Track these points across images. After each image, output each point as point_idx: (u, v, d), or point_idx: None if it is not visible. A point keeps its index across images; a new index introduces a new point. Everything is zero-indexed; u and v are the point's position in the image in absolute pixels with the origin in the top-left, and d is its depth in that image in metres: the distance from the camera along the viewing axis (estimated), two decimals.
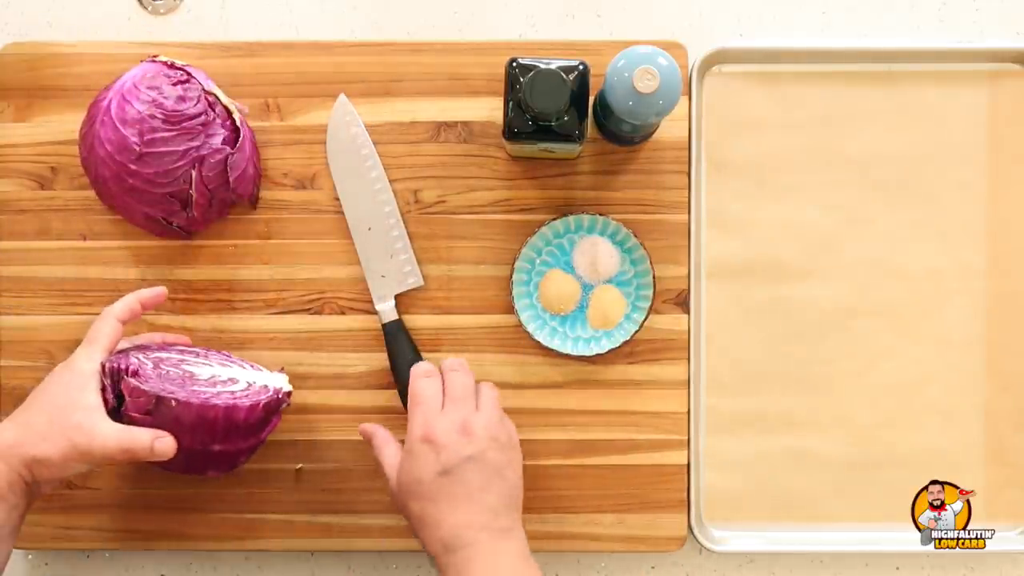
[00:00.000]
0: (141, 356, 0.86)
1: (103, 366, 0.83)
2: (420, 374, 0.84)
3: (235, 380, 0.88)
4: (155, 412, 0.82)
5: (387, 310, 0.92)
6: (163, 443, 0.81)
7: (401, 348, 0.91)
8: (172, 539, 0.95)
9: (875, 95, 0.96)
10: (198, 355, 0.90)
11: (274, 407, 0.88)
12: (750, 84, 0.96)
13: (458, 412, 0.81)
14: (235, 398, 0.86)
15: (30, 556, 0.98)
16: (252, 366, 0.92)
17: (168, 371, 0.86)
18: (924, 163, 0.96)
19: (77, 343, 0.92)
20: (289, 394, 0.91)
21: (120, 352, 0.86)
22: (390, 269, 0.92)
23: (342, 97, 0.93)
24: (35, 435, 0.78)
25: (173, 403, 0.82)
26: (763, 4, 0.98)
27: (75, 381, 0.81)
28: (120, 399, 0.83)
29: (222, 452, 0.86)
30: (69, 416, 0.79)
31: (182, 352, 0.90)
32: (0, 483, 0.77)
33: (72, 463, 0.79)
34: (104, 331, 0.84)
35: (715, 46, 0.94)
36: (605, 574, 0.98)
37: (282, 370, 0.93)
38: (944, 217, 0.96)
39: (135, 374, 0.83)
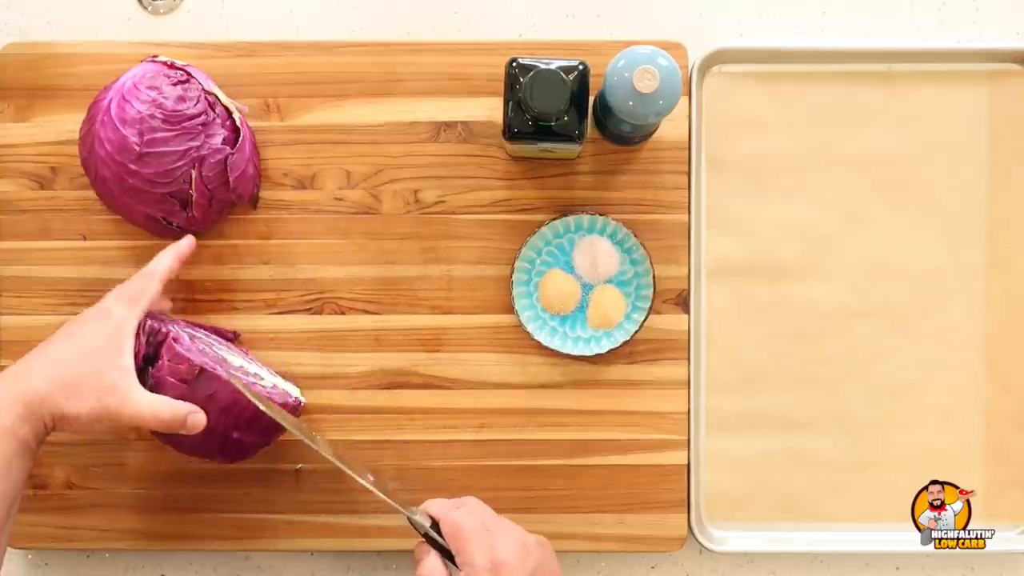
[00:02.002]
0: (178, 327, 0.87)
1: (140, 324, 0.82)
2: (450, 507, 0.79)
3: (260, 377, 0.89)
4: (194, 383, 0.82)
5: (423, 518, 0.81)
6: (196, 418, 0.80)
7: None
8: (172, 539, 0.95)
9: (875, 95, 0.96)
10: (221, 343, 0.91)
11: (290, 412, 0.90)
12: (750, 84, 0.96)
13: (504, 531, 0.78)
14: (267, 393, 0.87)
15: (30, 556, 0.98)
16: (269, 370, 0.93)
17: (204, 348, 0.86)
18: (924, 163, 0.96)
19: None
20: (301, 404, 0.93)
21: (153, 315, 0.86)
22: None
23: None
24: (66, 389, 0.76)
25: (216, 379, 0.83)
26: (763, 4, 0.98)
27: (114, 338, 0.79)
28: (150, 360, 0.83)
29: (238, 441, 0.86)
30: (103, 376, 0.77)
31: (210, 335, 0.91)
32: (29, 439, 0.76)
33: (99, 424, 0.78)
34: (148, 290, 0.82)
35: (715, 46, 0.94)
36: (605, 574, 0.98)
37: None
38: (944, 217, 0.96)
39: (176, 340, 0.83)
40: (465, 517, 0.78)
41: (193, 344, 0.85)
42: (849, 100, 0.96)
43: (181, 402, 0.80)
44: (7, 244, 0.95)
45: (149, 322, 0.83)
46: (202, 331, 0.91)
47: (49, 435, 0.78)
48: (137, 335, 0.81)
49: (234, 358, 0.89)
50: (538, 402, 0.95)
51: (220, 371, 0.84)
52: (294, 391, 0.92)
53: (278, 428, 0.87)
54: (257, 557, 0.98)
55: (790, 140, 0.96)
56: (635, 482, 0.95)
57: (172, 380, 0.82)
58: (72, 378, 0.77)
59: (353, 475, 0.82)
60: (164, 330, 0.84)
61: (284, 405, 0.89)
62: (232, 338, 0.94)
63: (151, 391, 0.81)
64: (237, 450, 0.88)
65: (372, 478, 0.83)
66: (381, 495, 0.82)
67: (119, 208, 0.91)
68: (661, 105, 0.81)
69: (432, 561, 0.78)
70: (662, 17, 0.98)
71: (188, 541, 0.95)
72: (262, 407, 0.82)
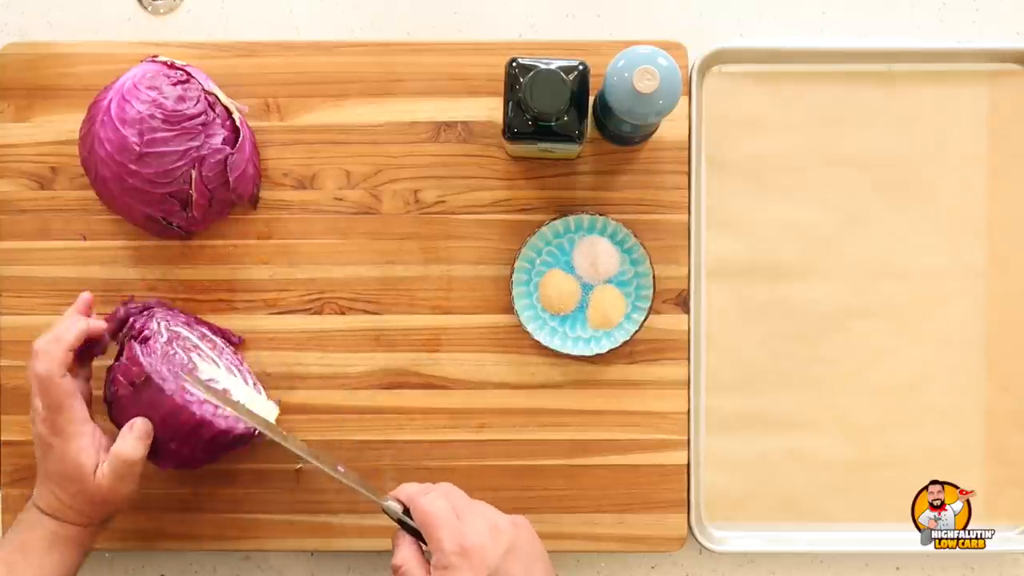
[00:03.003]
0: (163, 323, 0.88)
1: (119, 311, 0.88)
2: (420, 494, 0.79)
3: (228, 391, 0.89)
4: (138, 388, 0.83)
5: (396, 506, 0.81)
6: (138, 427, 0.83)
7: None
8: (172, 539, 0.95)
9: (875, 95, 0.96)
10: (214, 347, 0.91)
11: (245, 439, 0.89)
12: (750, 84, 0.96)
13: (474, 515, 0.77)
14: (214, 415, 0.86)
15: None
16: (255, 383, 0.92)
17: (176, 352, 0.86)
18: (924, 163, 0.96)
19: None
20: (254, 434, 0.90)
21: (148, 308, 0.89)
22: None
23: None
24: (79, 504, 0.83)
25: (159, 391, 0.83)
26: (763, 4, 0.98)
27: (72, 451, 0.82)
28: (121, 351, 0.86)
29: (176, 451, 0.86)
30: (89, 485, 0.82)
31: (202, 337, 0.91)
32: (86, 539, 0.84)
33: (121, 505, 0.84)
34: (70, 399, 0.82)
35: (715, 46, 0.94)
36: (605, 574, 0.98)
37: (278, 402, 0.93)
38: (944, 217, 0.96)
39: (144, 340, 0.84)
40: (434, 502, 0.77)
41: (164, 347, 0.86)
42: (849, 100, 0.96)
43: (123, 435, 0.83)
44: (7, 244, 0.95)
45: (127, 310, 0.87)
46: (198, 330, 0.91)
47: (109, 519, 0.86)
48: (116, 319, 0.87)
49: (207, 367, 0.88)
50: (538, 402, 0.95)
51: (169, 382, 0.84)
52: (265, 412, 0.91)
53: (223, 448, 0.87)
54: (257, 557, 0.98)
55: (790, 140, 0.96)
56: (635, 482, 0.95)
57: (121, 380, 0.83)
58: (66, 498, 0.83)
59: (330, 471, 0.83)
60: (137, 326, 0.85)
61: (239, 436, 0.87)
62: (237, 343, 0.94)
63: (108, 384, 0.86)
64: (176, 459, 0.87)
65: (342, 469, 0.84)
66: (352, 484, 0.82)
67: (119, 208, 0.91)
68: (661, 105, 0.81)
69: (405, 550, 0.77)
70: (662, 17, 0.98)
71: (188, 541, 0.95)
72: (231, 411, 0.84)
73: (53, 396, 0.81)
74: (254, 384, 0.92)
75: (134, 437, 0.83)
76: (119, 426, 0.84)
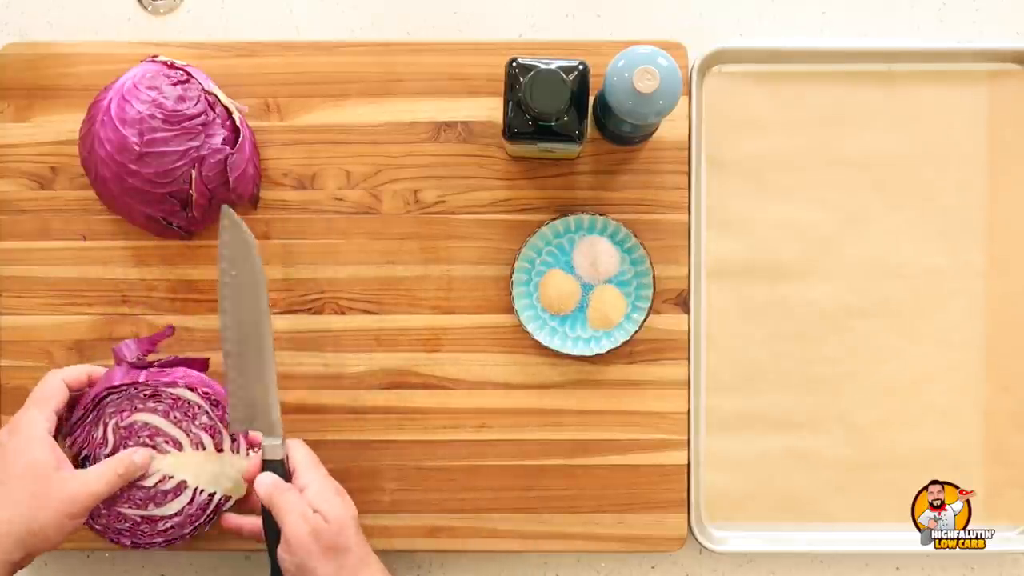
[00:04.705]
0: (113, 421, 0.85)
1: (67, 426, 0.86)
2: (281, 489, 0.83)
3: (179, 492, 0.86)
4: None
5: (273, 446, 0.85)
6: (140, 455, 0.84)
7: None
8: None
9: (875, 95, 0.96)
10: (186, 414, 0.87)
11: (183, 538, 0.88)
12: (750, 84, 0.96)
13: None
14: (144, 539, 0.86)
15: None
16: (232, 442, 0.88)
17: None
18: (924, 163, 0.96)
19: (77, 343, 0.93)
20: (226, 500, 0.88)
21: (94, 413, 0.86)
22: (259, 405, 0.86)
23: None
24: (24, 510, 0.78)
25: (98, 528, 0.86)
26: (763, 4, 0.98)
27: (30, 448, 0.80)
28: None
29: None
30: (47, 482, 0.79)
31: (173, 405, 0.86)
32: None
33: (68, 524, 0.80)
34: (50, 389, 0.83)
35: (715, 46, 0.94)
36: (605, 574, 0.98)
37: (257, 449, 0.88)
38: (944, 217, 0.96)
39: (82, 462, 0.85)
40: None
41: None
42: (849, 100, 0.96)
43: (115, 459, 0.83)
44: (7, 244, 0.95)
45: (73, 436, 0.86)
46: (169, 395, 0.86)
47: (17, 567, 0.79)
48: (62, 438, 0.85)
49: (162, 464, 0.86)
50: (538, 402, 0.95)
51: (102, 518, 0.85)
52: (228, 486, 0.87)
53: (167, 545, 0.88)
54: (257, 557, 0.98)
55: (790, 140, 0.96)
56: (635, 482, 0.95)
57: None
58: (24, 498, 0.79)
59: None
60: (82, 444, 0.86)
61: (168, 541, 0.87)
62: (203, 367, 0.90)
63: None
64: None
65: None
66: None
67: (119, 208, 0.91)
68: (661, 105, 0.81)
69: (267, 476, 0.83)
70: (662, 17, 0.98)
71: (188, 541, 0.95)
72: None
73: (42, 388, 0.83)
74: (230, 444, 0.87)
75: (130, 455, 0.84)
76: None
